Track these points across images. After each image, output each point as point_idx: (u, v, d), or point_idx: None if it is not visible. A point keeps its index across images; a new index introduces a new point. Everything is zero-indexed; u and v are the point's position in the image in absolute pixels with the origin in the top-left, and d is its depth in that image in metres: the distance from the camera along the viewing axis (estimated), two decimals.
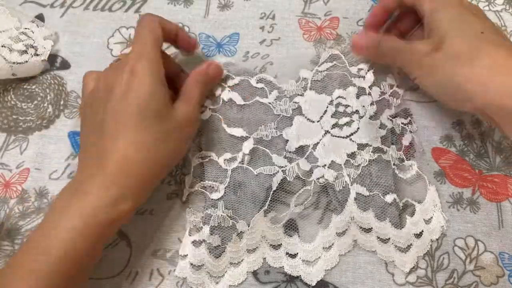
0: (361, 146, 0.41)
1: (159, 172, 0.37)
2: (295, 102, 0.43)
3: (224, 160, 0.41)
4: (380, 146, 0.41)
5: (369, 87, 0.43)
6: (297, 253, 0.39)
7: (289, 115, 0.42)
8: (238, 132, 0.42)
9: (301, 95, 0.43)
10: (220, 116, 0.42)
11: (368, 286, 0.39)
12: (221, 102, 0.43)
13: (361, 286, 0.38)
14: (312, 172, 0.41)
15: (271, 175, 0.40)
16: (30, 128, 0.45)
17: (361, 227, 0.39)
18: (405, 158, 0.42)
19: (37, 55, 0.46)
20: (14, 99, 0.46)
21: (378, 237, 0.39)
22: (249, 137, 0.42)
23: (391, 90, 0.44)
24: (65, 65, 0.47)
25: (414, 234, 0.39)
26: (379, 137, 0.41)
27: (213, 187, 0.41)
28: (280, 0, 0.50)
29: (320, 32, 0.48)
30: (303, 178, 0.41)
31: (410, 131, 0.43)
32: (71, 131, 0.44)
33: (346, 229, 0.39)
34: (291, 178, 0.40)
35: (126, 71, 0.35)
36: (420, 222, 0.39)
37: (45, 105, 0.45)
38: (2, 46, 0.45)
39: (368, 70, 0.44)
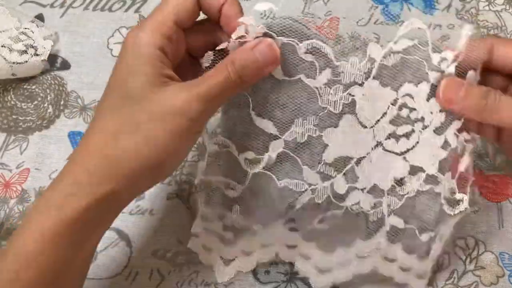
0: (414, 170, 0.32)
1: (125, 171, 0.28)
2: (350, 95, 0.31)
3: (245, 159, 0.33)
4: (435, 175, 0.32)
5: None
6: (311, 258, 0.36)
7: (337, 112, 0.31)
8: (267, 126, 0.32)
9: (360, 85, 0.31)
10: (248, 97, 0.31)
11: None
12: None
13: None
14: (347, 195, 0.33)
15: (297, 192, 0.33)
16: (30, 128, 0.45)
17: (385, 257, 0.35)
18: (457, 190, 0.32)
19: (37, 55, 0.46)
20: (14, 99, 0.46)
21: (400, 267, 0.35)
22: (280, 138, 0.32)
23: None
24: (65, 65, 0.47)
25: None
26: (438, 161, 0.32)
27: (228, 184, 0.34)
28: (280, 0, 0.50)
29: (320, 32, 0.48)
30: (335, 201, 0.33)
31: (470, 152, 0.32)
32: (71, 131, 0.44)
33: (368, 255, 0.35)
34: (319, 200, 0.33)
35: (124, 42, 0.30)
36: (440, 248, 0.34)
37: (45, 105, 0.45)
38: (2, 46, 0.45)
39: (452, 62, 0.30)
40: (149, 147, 0.28)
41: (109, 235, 0.40)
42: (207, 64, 0.30)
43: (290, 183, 0.33)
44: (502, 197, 0.41)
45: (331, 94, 0.31)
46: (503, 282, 0.38)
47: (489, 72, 0.31)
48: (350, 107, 0.31)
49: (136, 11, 0.49)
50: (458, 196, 0.32)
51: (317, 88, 0.31)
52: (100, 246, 0.39)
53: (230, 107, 0.32)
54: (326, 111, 0.31)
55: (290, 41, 0.30)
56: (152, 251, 0.40)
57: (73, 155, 0.29)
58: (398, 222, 0.33)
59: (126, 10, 0.49)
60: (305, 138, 0.32)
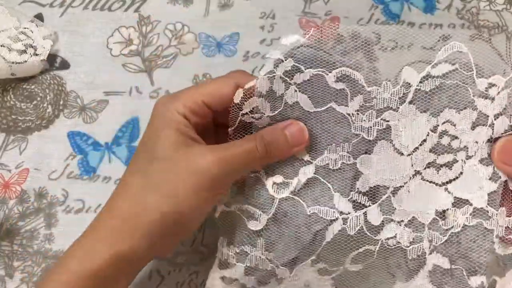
0: (458, 202, 0.30)
1: (145, 227, 0.29)
2: (384, 120, 0.30)
3: (273, 183, 0.31)
4: (485, 208, 0.30)
5: (495, 115, 0.29)
6: None
7: (371, 139, 0.30)
8: (299, 152, 0.31)
9: (394, 110, 0.30)
10: None
11: None
12: (282, 106, 0.31)
13: None
14: (382, 228, 0.31)
15: (327, 221, 0.31)
16: (30, 128, 0.44)
17: None
18: None
19: (36, 54, 0.46)
20: (13, 99, 0.45)
21: None
22: (311, 163, 0.31)
23: None
24: (65, 65, 0.47)
25: None
26: (487, 193, 0.30)
27: (253, 214, 0.31)
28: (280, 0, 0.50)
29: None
30: (369, 234, 0.31)
31: None
32: (70, 131, 0.44)
33: None
34: (352, 231, 0.30)
35: (154, 106, 0.32)
36: None
37: (45, 105, 0.45)
38: (1, 46, 0.45)
39: (504, 89, 0.29)
40: (169, 203, 0.29)
41: None
42: (237, 101, 0.31)
43: (320, 210, 0.31)
44: None
45: (364, 120, 0.30)
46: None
47: None
48: (385, 133, 0.30)
49: (136, 10, 0.49)
50: None
51: (349, 114, 0.30)
52: None
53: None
54: (359, 138, 0.30)
55: (319, 72, 0.30)
56: None
57: (98, 215, 0.31)
58: (443, 262, 0.30)
59: (126, 10, 0.49)
60: (339, 165, 0.31)
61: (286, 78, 0.30)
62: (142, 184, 0.29)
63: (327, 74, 0.30)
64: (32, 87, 0.46)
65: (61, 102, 0.45)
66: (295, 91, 0.30)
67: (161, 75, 0.46)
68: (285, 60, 0.30)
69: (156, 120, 0.31)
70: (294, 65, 0.30)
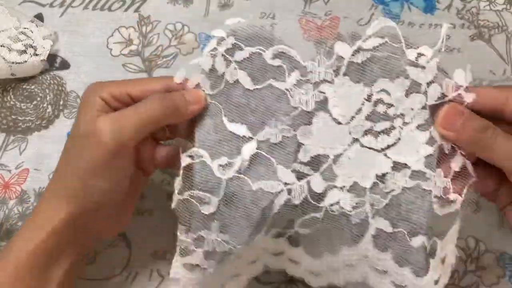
0: (397, 166, 0.31)
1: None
2: (321, 92, 0.32)
3: (219, 165, 0.32)
4: (423, 170, 0.31)
5: (427, 83, 0.31)
6: (301, 262, 0.35)
7: (310, 110, 0.32)
8: (240, 130, 0.32)
9: (330, 82, 0.31)
10: (220, 105, 0.32)
11: None
12: (223, 85, 0.32)
13: None
14: (326, 195, 0.32)
15: (272, 193, 0.32)
16: (30, 129, 0.44)
17: (375, 268, 0.33)
18: (451, 189, 0.31)
19: (36, 55, 0.46)
20: (13, 99, 0.45)
21: (393, 282, 0.32)
22: (253, 139, 0.32)
23: (456, 92, 0.30)
24: (65, 65, 0.47)
25: (435, 281, 0.31)
26: (424, 157, 0.31)
27: (203, 199, 0.32)
28: None
29: (320, 31, 0.48)
30: (313, 202, 0.32)
31: (461, 152, 0.31)
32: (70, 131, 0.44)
33: (356, 263, 0.33)
34: (297, 201, 0.32)
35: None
36: (439, 265, 0.32)
37: (45, 105, 0.45)
38: (1, 46, 0.45)
39: (432, 58, 0.31)
40: (77, 196, 0.32)
41: None
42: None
43: (265, 185, 0.31)
44: None
45: (302, 93, 0.32)
46: (504, 284, 0.38)
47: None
48: (323, 104, 0.32)
49: (136, 10, 0.49)
50: (452, 196, 0.31)
51: (287, 89, 0.32)
52: (99, 247, 0.40)
53: (203, 117, 0.33)
54: (298, 110, 0.32)
55: (257, 50, 0.31)
56: (152, 252, 0.40)
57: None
58: (385, 225, 0.31)
59: (126, 10, 0.49)
60: (280, 138, 0.32)
61: (228, 56, 0.32)
62: (63, 165, 0.33)
63: (264, 51, 0.31)
64: (32, 87, 0.46)
65: (61, 102, 0.45)
66: (235, 68, 0.32)
67: (161, 75, 0.46)
68: (227, 38, 0.31)
69: (81, 102, 0.33)
70: (235, 43, 0.31)
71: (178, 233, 0.33)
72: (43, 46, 0.46)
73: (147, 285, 0.39)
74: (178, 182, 0.32)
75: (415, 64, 0.31)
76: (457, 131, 0.30)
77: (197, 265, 0.32)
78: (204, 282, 0.33)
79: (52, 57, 0.47)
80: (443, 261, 0.32)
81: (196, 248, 0.32)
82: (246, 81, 0.32)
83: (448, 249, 0.32)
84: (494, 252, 0.39)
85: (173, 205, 0.32)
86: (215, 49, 0.32)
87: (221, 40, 0.32)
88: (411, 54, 0.31)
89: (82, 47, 0.47)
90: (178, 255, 0.33)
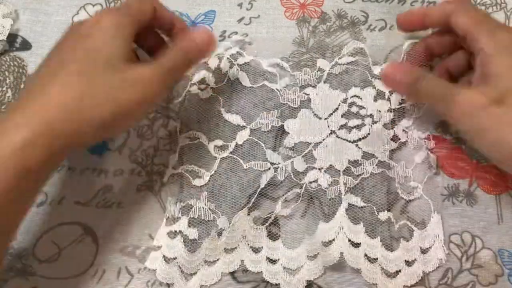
0: (367, 155, 0.39)
1: (89, 130, 0.32)
2: (306, 94, 0.41)
3: (215, 146, 0.40)
4: (387, 161, 0.39)
5: (389, 92, 0.40)
6: (278, 259, 0.37)
7: (296, 106, 0.41)
8: (235, 119, 0.40)
9: (313, 87, 0.41)
10: (220, 98, 0.41)
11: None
12: (225, 81, 0.42)
13: (347, 286, 0.37)
14: (306, 174, 0.39)
15: (261, 171, 0.39)
16: None
17: (349, 240, 0.37)
18: (412, 178, 0.39)
19: None
20: None
21: (366, 255, 0.36)
22: (246, 127, 0.40)
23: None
24: (26, 45, 0.46)
25: (406, 260, 0.36)
26: (389, 150, 0.39)
27: (197, 173, 0.39)
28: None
29: (303, 9, 0.46)
30: (295, 179, 0.39)
31: (426, 147, 0.40)
32: None
33: (334, 239, 0.37)
34: (281, 177, 0.39)
35: (94, 18, 0.35)
36: (415, 250, 0.37)
37: (4, 88, 0.44)
38: None
39: None
40: (120, 115, 0.33)
41: (73, 230, 0.38)
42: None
43: (255, 164, 0.39)
44: (501, 189, 0.39)
45: (290, 93, 0.41)
46: (502, 282, 0.36)
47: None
48: (306, 103, 0.41)
49: None
50: (413, 183, 0.39)
51: (278, 90, 0.41)
52: (64, 242, 0.38)
53: (201, 106, 0.41)
54: (286, 106, 0.41)
55: (257, 58, 0.43)
56: (121, 248, 0.38)
57: (29, 100, 0.32)
58: (356, 200, 0.38)
59: None
60: (269, 128, 0.40)
61: (232, 60, 0.42)
62: (87, 86, 0.32)
63: (263, 60, 0.43)
64: None
65: (22, 86, 0.44)
66: (237, 70, 0.42)
67: None
68: (233, 47, 0.43)
69: (104, 30, 0.34)
70: (238, 51, 0.43)
71: (167, 205, 0.39)
72: (2, 25, 0.45)
73: (115, 284, 0.37)
74: (173, 158, 0.40)
75: (379, 77, 0.41)
76: (394, 80, 0.37)
77: (180, 231, 0.38)
78: (180, 256, 0.37)
79: (12, 37, 0.45)
80: (424, 251, 0.37)
81: (182, 215, 0.38)
82: (245, 79, 0.42)
83: (434, 246, 0.37)
84: (491, 249, 0.37)
85: (164, 179, 0.40)
86: (222, 53, 0.43)
87: (227, 47, 0.43)
88: (376, 70, 0.42)
89: (45, 26, 0.46)
90: (164, 225, 0.38)
